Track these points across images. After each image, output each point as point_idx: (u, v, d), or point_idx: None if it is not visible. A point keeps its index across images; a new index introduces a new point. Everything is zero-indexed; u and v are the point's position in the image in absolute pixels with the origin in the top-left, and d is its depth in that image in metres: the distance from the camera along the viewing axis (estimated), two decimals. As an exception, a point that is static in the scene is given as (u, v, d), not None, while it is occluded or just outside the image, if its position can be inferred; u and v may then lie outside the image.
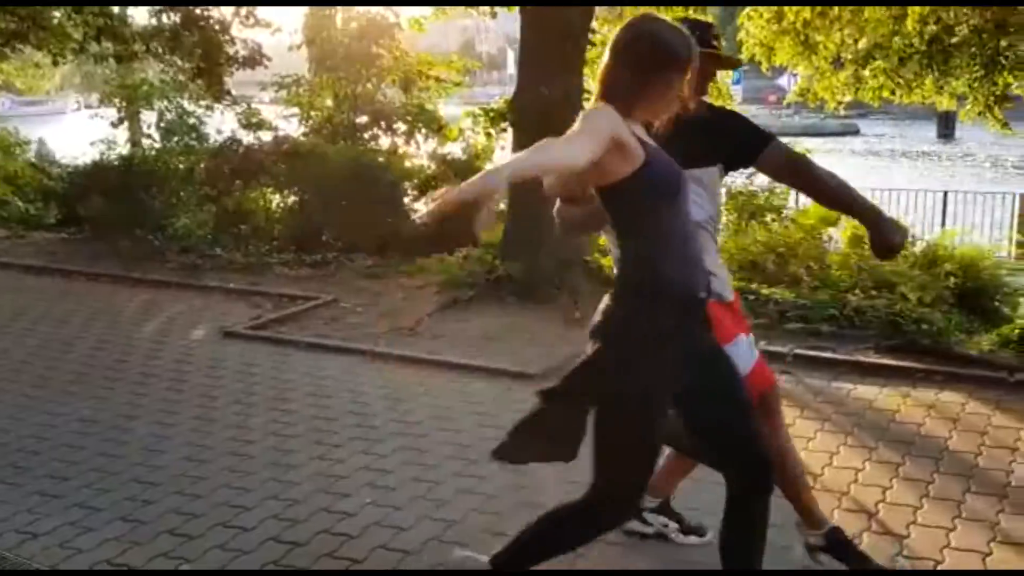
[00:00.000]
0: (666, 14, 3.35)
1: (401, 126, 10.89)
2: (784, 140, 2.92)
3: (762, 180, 8.34)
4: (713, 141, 2.70)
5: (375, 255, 7.94)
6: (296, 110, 11.49)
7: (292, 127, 11.20)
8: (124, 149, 11.21)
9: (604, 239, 2.50)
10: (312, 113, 11.36)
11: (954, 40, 8.46)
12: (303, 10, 11.71)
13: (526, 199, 6.62)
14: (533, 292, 6.32)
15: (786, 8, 8.40)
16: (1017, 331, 5.33)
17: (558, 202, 2.55)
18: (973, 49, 9.15)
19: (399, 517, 3.39)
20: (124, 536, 3.28)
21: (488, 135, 8.07)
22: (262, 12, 9.35)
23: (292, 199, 9.67)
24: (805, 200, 7.55)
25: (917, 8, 7.90)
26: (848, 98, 9.21)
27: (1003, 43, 8.91)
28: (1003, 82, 9.11)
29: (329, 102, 11.36)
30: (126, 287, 7.27)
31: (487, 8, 8.66)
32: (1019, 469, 3.69)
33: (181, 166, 9.87)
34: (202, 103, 11.01)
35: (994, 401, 4.43)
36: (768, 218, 8.37)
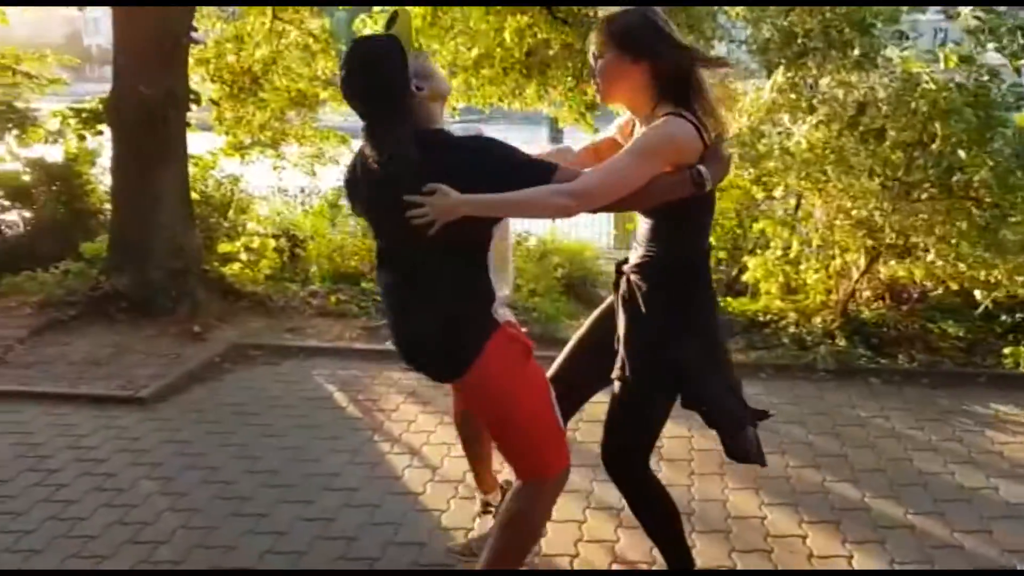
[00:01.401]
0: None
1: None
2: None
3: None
4: None
5: (-46, 277, 6.84)
6: None
7: None
8: None
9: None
10: None
11: (551, 53, 9.25)
12: None
13: (132, 203, 6.11)
14: (146, 307, 5.84)
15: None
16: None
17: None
18: (568, 64, 10.12)
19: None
20: None
21: (81, 137, 7.31)
22: None
23: None
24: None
25: (513, 22, 8.49)
26: (462, 104, 9.69)
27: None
28: (591, 92, 10.18)
29: None
30: None
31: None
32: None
33: None
34: None
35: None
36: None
